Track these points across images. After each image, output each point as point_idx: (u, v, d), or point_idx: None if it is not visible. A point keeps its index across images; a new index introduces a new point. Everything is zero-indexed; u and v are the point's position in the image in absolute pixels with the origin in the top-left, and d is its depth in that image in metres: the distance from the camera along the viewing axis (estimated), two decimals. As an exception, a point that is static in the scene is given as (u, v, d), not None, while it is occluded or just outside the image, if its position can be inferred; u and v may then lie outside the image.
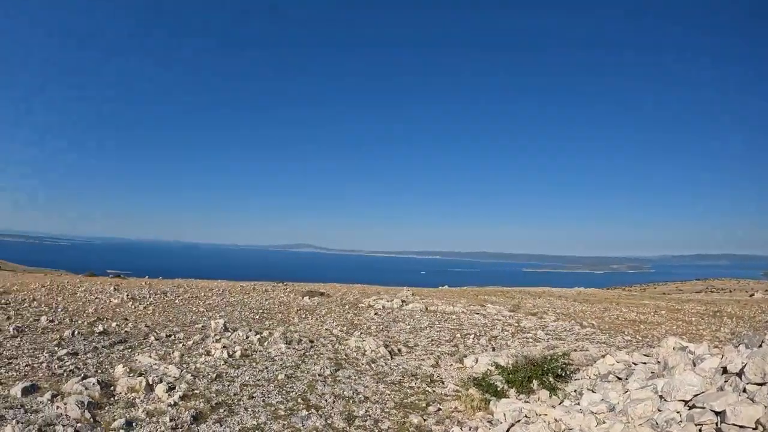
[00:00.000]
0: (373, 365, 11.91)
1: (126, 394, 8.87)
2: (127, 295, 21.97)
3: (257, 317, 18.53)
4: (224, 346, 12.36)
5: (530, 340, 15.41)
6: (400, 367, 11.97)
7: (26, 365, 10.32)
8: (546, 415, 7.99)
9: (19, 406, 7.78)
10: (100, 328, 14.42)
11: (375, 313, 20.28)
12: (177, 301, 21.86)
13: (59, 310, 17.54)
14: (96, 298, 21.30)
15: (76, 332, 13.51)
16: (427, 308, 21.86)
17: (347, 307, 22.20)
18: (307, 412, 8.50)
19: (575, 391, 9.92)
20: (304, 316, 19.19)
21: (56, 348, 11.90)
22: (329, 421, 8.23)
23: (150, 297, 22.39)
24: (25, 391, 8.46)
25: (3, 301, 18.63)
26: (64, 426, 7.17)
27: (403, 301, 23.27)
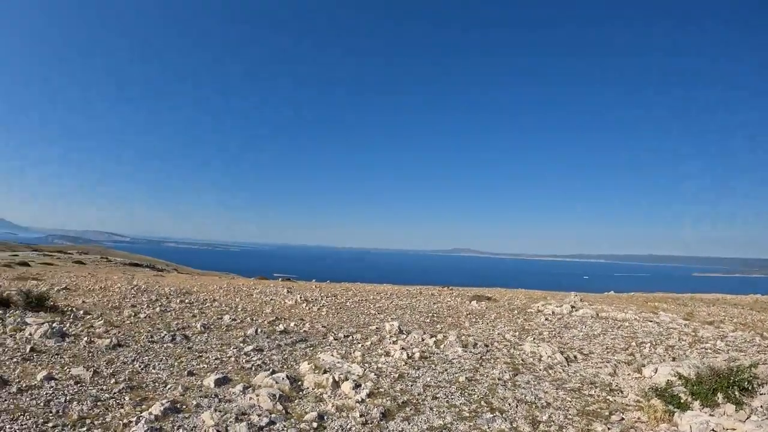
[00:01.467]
0: (550, 371, 11.09)
1: (313, 389, 8.92)
2: (300, 297, 22.89)
3: (428, 321, 18.26)
4: (402, 348, 12.22)
5: (709, 350, 13.51)
6: (578, 374, 11.00)
7: (216, 359, 10.88)
8: (735, 430, 7.04)
9: (213, 396, 8.14)
10: (281, 327, 14.96)
11: (545, 319, 19.14)
12: (348, 303, 22.30)
13: (239, 309, 18.62)
14: (271, 299, 22.43)
15: (258, 330, 14.13)
16: (597, 314, 20.22)
17: (516, 312, 21.23)
18: (491, 415, 8.01)
19: (762, 406, 8.44)
20: (474, 320, 18.59)
21: (242, 344, 12.48)
22: (514, 425, 7.65)
23: (322, 299, 23.12)
24: (218, 382, 8.85)
25: (187, 300, 20.22)
26: (258, 416, 7.30)
27: (572, 307, 21.77)
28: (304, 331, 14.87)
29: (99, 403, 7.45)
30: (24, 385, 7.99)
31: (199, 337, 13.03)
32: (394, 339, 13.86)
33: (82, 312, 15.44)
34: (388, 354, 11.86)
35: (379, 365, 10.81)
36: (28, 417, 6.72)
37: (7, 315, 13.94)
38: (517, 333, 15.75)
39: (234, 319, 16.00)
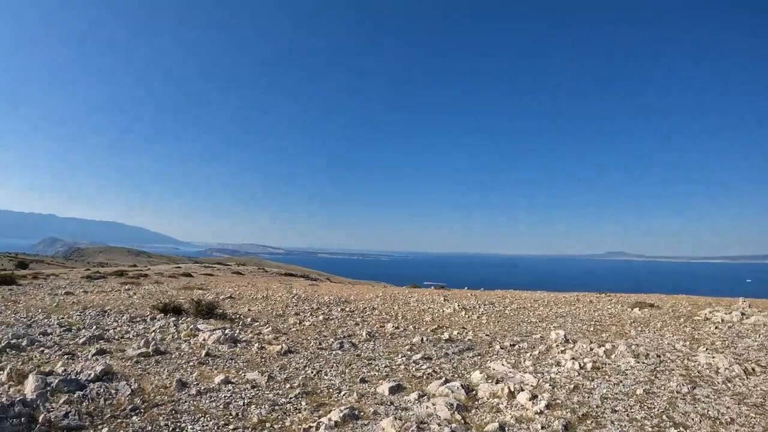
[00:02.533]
0: (729, 384, 9.68)
1: (488, 399, 8.43)
2: (458, 305, 22.42)
3: (591, 329, 16.93)
4: (573, 358, 11.28)
5: None
6: (758, 388, 9.47)
7: (385, 366, 10.77)
8: None
9: (389, 403, 7.95)
10: (445, 335, 14.62)
11: (715, 327, 16.97)
12: (507, 311, 21.43)
13: (399, 317, 18.49)
14: (429, 307, 22.14)
15: (423, 339, 13.84)
16: (771, 322, 17.54)
17: (682, 319, 19.12)
18: (675, 431, 7.02)
19: None
20: (639, 328, 16.94)
21: (409, 352, 12.32)
22: (699, 442, 6.60)
23: (479, 307, 22.45)
24: (392, 390, 8.68)
25: (347, 309, 20.43)
26: (439, 425, 6.96)
27: (742, 314, 19.15)
28: (469, 339, 14.34)
29: (276, 407, 7.53)
30: (203, 387, 8.26)
31: (366, 345, 13.07)
32: (562, 348, 12.94)
33: (249, 319, 16.13)
34: (558, 364, 11.10)
35: (552, 375, 10.10)
36: (208, 418, 6.91)
37: (180, 322, 14.86)
38: (687, 342, 14.13)
39: (396, 327, 15.91)
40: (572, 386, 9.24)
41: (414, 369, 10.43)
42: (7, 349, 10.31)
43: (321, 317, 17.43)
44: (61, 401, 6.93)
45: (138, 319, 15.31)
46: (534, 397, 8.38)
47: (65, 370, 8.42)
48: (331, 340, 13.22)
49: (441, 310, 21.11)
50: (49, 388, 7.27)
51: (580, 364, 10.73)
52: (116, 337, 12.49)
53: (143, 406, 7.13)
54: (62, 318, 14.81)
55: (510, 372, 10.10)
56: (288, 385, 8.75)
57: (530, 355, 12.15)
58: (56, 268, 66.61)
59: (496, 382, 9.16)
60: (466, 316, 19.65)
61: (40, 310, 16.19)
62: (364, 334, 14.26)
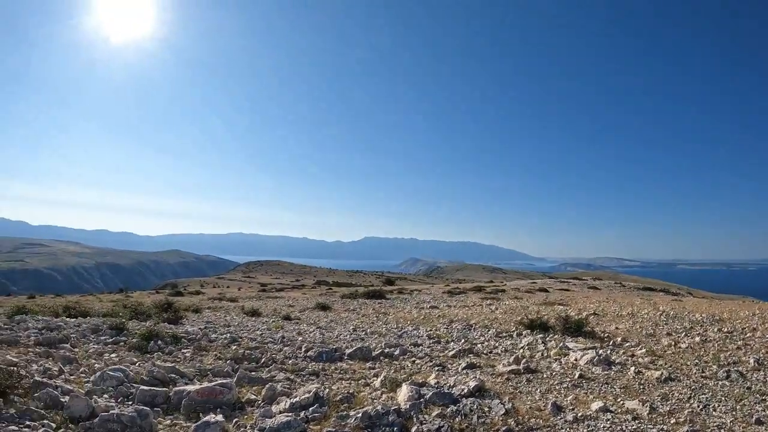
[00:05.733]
0: None
1: None
2: None
3: None
4: None
5: None
6: None
7: None
8: None
9: None
10: None
11: None
12: None
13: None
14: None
15: None
16: None
17: None
18: None
19: None
20: None
21: None
22: None
23: None
24: None
25: (724, 329, 17.24)
26: None
27: None
28: None
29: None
30: (579, 414, 7.60)
31: (755, 375, 10.52)
32: None
33: (619, 339, 14.83)
34: None
35: None
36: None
37: (548, 339, 14.40)
38: None
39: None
40: None
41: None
42: (381, 357, 11.24)
43: (697, 338, 15.05)
44: (433, 414, 7.01)
45: (504, 334, 15.45)
46: None
47: (437, 382, 8.66)
48: (714, 367, 11.09)
49: None
50: (422, 400, 7.48)
51: None
52: (484, 351, 12.68)
53: (518, 428, 6.80)
54: (430, 330, 15.81)
55: None
56: (673, 420, 7.51)
57: None
58: (418, 284, 73.60)
59: None
60: None
61: (408, 322, 17.64)
62: (751, 361, 11.74)
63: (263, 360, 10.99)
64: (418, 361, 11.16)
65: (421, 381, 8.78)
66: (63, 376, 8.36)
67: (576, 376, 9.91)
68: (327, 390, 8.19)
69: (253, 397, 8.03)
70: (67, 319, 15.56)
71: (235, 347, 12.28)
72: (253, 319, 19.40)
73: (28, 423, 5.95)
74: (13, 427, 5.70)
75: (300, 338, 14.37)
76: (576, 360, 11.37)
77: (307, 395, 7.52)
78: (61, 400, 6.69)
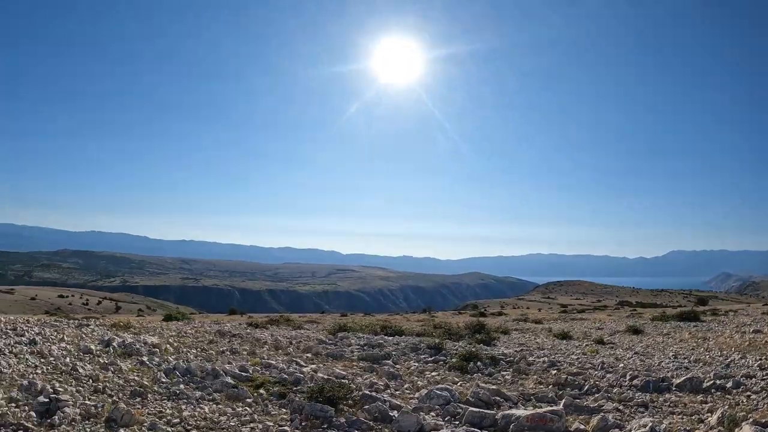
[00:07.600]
0: None
1: None
2: None
3: None
4: None
5: None
6: None
7: None
8: None
9: None
10: None
11: None
12: None
13: None
14: None
15: None
16: None
17: None
18: None
19: None
20: None
21: None
22: None
23: None
24: None
25: None
26: None
27: None
28: None
29: None
30: None
31: None
32: None
33: None
34: None
35: None
36: None
37: None
38: None
39: None
40: None
41: None
42: (712, 390, 9.77)
43: None
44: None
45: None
46: None
47: None
48: None
49: None
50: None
51: None
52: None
53: None
54: (761, 359, 13.40)
55: None
56: None
57: None
58: (732, 303, 64.67)
59: None
60: None
61: (732, 349, 15.21)
62: None
63: (586, 387, 10.36)
64: (753, 396, 9.52)
65: (764, 421, 7.43)
66: (388, 391, 8.95)
67: None
68: (663, 426, 7.37)
69: (582, 426, 7.50)
70: (386, 336, 16.78)
71: (555, 371, 11.77)
72: (565, 342, 18.72)
73: (356, 433, 6.47)
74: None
75: (621, 365, 13.34)
76: None
77: (642, 430, 6.89)
78: (390, 414, 7.12)
